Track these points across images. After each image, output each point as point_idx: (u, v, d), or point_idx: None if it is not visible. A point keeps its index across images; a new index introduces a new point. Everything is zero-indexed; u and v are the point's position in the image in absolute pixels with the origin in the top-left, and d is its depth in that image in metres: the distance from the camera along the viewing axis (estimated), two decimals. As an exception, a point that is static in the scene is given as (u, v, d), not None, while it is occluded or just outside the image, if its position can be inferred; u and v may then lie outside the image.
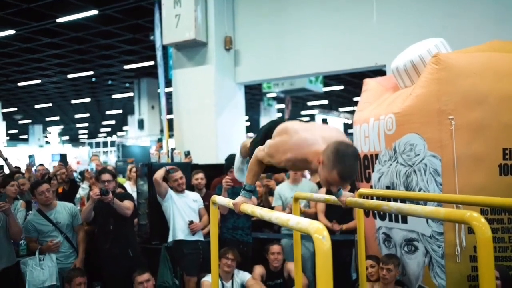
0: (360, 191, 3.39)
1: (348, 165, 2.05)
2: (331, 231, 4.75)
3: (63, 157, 5.48)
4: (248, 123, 33.56)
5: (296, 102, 23.70)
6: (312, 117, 29.71)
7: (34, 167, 5.84)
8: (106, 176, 4.66)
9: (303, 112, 28.59)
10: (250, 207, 2.29)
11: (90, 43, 14.22)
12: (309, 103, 25.43)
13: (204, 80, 7.12)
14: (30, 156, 5.75)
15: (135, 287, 4.17)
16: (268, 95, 20.59)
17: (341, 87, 19.81)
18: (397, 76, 4.57)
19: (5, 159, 5.87)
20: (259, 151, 2.43)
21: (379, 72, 6.80)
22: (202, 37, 6.97)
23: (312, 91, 15.95)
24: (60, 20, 11.78)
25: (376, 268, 4.10)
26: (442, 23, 5.85)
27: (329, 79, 16.77)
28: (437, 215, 1.77)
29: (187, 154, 6.14)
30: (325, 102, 24.80)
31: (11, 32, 12.76)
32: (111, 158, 19.42)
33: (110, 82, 20.72)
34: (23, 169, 6.62)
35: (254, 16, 7.33)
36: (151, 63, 16.19)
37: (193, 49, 7.17)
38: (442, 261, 3.72)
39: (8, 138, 34.03)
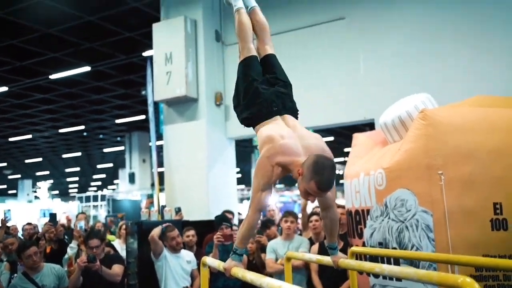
0: (352, 249, 3.35)
1: (326, 177, 2.24)
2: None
3: (52, 216, 5.40)
4: (240, 175, 33.53)
5: (288, 153, 23.76)
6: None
7: (9, 223, 5.69)
8: (94, 242, 4.56)
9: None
10: (240, 271, 2.25)
11: (82, 98, 14.37)
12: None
13: (195, 135, 7.15)
14: (6, 212, 5.63)
15: None
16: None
17: (331, 138, 19.98)
18: (386, 131, 4.63)
19: None
20: (256, 194, 2.43)
21: (370, 123, 6.89)
22: (193, 93, 7.06)
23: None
24: (53, 76, 11.94)
25: (371, 328, 3.99)
26: (427, 78, 6.00)
27: (319, 130, 16.95)
28: (430, 278, 1.74)
29: (178, 210, 6.08)
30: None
31: (4, 89, 12.89)
32: (101, 213, 19.16)
33: (101, 136, 20.78)
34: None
35: (244, 73, 7.45)
36: (143, 117, 16.33)
37: (184, 104, 7.25)
38: (438, 320, 3.64)
39: (-4, 193, 33.68)
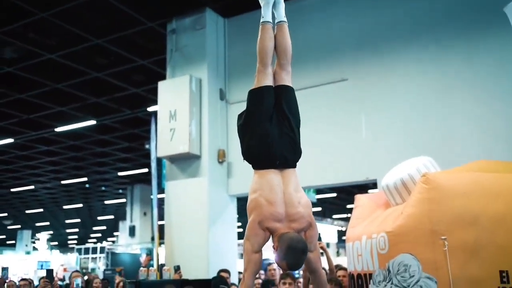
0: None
1: (296, 260, 2.62)
2: None
3: (49, 272, 5.28)
4: (241, 230, 33.13)
5: (290, 209, 23.62)
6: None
7: (7, 281, 5.59)
8: None
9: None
10: None
11: (86, 150, 14.48)
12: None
13: (197, 192, 7.12)
14: (4, 269, 5.54)
15: None
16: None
17: (334, 194, 19.88)
18: (388, 194, 4.61)
19: None
20: (251, 256, 2.71)
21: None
22: (196, 150, 7.10)
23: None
24: (58, 129, 12.08)
25: None
26: (430, 140, 6.03)
27: (322, 187, 16.87)
28: None
29: (177, 269, 5.96)
30: (319, 209, 24.73)
31: (9, 140, 13.02)
32: (99, 266, 18.84)
33: (103, 188, 20.75)
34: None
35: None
36: (145, 170, 16.36)
37: (186, 161, 7.27)
38: None
39: (-6, 244, 33.28)
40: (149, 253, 7.27)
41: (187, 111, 7.07)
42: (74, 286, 5.46)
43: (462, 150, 5.71)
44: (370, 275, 4.22)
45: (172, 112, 7.17)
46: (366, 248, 4.29)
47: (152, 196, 8.56)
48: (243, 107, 3.32)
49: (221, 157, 7.37)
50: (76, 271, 6.61)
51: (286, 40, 3.06)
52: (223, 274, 5.78)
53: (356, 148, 6.59)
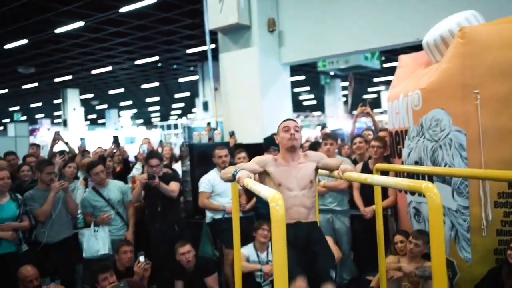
0: (377, 166, 3.49)
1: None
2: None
3: (115, 139, 5.93)
4: (315, 102, 33.32)
5: (361, 79, 23.35)
6: (378, 94, 29.13)
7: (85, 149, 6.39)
8: (153, 162, 5.04)
9: (369, 89, 28.07)
10: (248, 181, 2.54)
11: (153, 29, 14.84)
12: (374, 80, 24.96)
13: (249, 62, 7.29)
14: (82, 139, 6.28)
15: (177, 257, 4.54)
16: (330, 73, 20.50)
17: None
18: (428, 52, 4.55)
19: (66, 143, 6.45)
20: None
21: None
22: (245, 20, 7.13)
23: (369, 68, 15.66)
24: (122, 10, 12.42)
25: (405, 243, 4.15)
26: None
27: (393, 54, 16.35)
28: (400, 185, 1.92)
29: (232, 134, 6.38)
30: (390, 78, 24.18)
31: (81, 23, 13.62)
32: (180, 140, 20.22)
33: (175, 66, 21.48)
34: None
35: (297, -3, 7.41)
36: (213, 46, 16.58)
37: (237, 32, 7.36)
38: (467, 234, 3.74)
39: (88, 122, 36.42)
40: (209, 124, 7.71)
41: (234, -20, 7.00)
42: (141, 151, 6.11)
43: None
44: (406, 131, 4.38)
45: (220, -17, 7.14)
46: (403, 105, 4.39)
47: (209, 71, 8.88)
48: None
49: (272, 26, 7.36)
50: (146, 138, 7.29)
51: None
52: (276, 136, 6.06)
53: (406, 8, 6.32)
